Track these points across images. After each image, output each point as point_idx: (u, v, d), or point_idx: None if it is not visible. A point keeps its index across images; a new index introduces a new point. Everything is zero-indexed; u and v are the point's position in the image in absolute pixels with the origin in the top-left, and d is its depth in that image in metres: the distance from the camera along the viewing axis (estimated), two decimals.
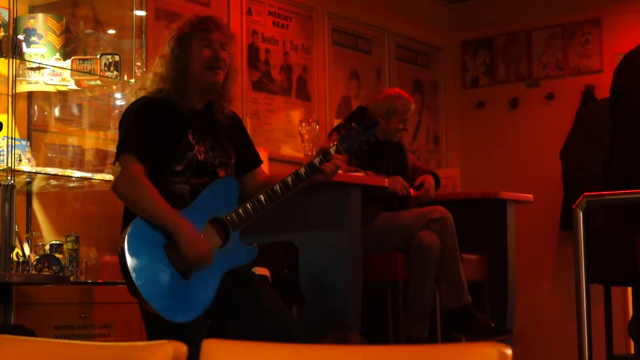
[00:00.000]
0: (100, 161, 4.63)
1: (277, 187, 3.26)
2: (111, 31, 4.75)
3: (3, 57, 4.00)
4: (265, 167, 3.60)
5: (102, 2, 4.79)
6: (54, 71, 4.29)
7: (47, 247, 4.12)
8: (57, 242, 4.15)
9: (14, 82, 4.04)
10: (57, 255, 4.06)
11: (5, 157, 3.95)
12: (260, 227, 3.71)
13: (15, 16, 4.12)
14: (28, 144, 4.25)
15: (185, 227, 3.09)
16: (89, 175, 4.35)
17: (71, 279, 4.03)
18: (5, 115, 3.98)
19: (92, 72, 4.32)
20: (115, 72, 4.34)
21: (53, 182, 4.37)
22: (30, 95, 4.48)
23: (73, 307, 3.98)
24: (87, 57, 4.40)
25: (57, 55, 4.31)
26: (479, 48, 7.21)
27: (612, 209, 3.66)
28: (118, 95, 4.67)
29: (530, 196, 5.44)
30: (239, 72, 5.49)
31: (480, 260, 5.10)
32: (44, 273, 3.92)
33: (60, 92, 4.50)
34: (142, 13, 4.56)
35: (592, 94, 6.56)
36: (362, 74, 6.53)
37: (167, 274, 3.07)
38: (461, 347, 1.38)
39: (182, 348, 1.54)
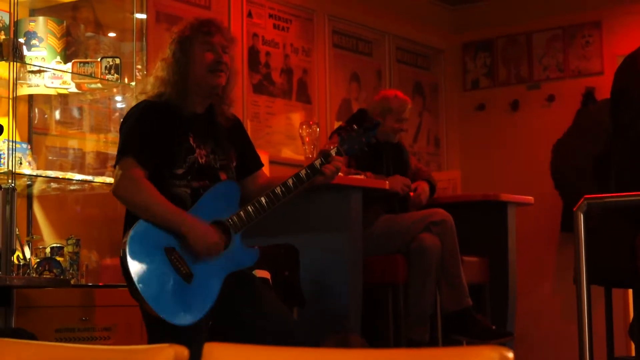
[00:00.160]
0: (101, 164, 4.63)
1: (278, 189, 3.26)
2: (112, 34, 4.75)
3: (4, 60, 4.01)
4: (265, 169, 3.60)
5: (102, 5, 4.79)
6: (54, 74, 4.29)
7: (48, 250, 4.12)
8: (58, 245, 4.15)
9: (15, 85, 4.04)
10: (58, 258, 4.06)
11: (6, 160, 3.95)
12: (261, 230, 3.71)
13: (15, 19, 4.12)
14: (29, 147, 4.25)
15: (191, 223, 3.10)
16: (89, 178, 4.35)
17: (72, 282, 4.03)
18: (6, 119, 3.98)
19: (93, 75, 4.33)
20: (115, 75, 4.34)
21: (54, 185, 4.37)
22: (31, 98, 4.48)
23: (74, 310, 3.98)
24: (87, 60, 4.40)
25: (58, 58, 4.31)
26: (480, 50, 7.21)
27: (613, 211, 3.66)
28: (119, 98, 4.67)
29: (530, 198, 5.45)
30: (240, 75, 5.49)
31: (481, 262, 5.10)
32: (44, 276, 3.92)
33: (60, 95, 4.50)
34: (143, 16, 4.56)
35: (592, 95, 6.57)
36: (363, 77, 6.53)
37: (168, 276, 3.08)
38: (462, 350, 1.38)
39: (183, 351, 1.54)
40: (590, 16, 6.73)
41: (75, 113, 4.69)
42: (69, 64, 4.33)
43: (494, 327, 4.65)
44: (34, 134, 4.49)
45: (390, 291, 4.63)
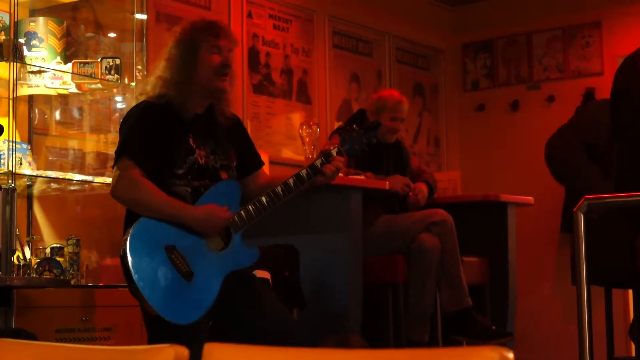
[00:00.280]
0: (101, 164, 4.63)
1: (279, 189, 3.26)
2: (112, 34, 4.75)
3: (4, 60, 4.01)
4: (266, 169, 3.60)
5: (102, 5, 4.79)
6: (54, 74, 4.29)
7: (48, 250, 4.12)
8: (58, 246, 4.15)
9: (15, 85, 4.04)
10: (58, 259, 4.06)
11: (6, 160, 3.95)
12: (262, 230, 3.71)
13: (16, 20, 4.12)
14: (29, 147, 4.25)
15: (191, 209, 3.12)
16: (89, 178, 4.35)
17: (72, 282, 4.03)
18: (6, 119, 3.98)
19: (93, 75, 4.33)
20: (116, 76, 4.34)
21: (54, 185, 4.37)
22: (31, 98, 4.48)
23: (74, 311, 3.98)
24: (87, 60, 4.40)
25: (58, 58, 4.31)
26: (480, 51, 7.21)
27: (613, 211, 3.66)
28: (119, 98, 4.67)
29: (530, 199, 5.45)
30: (239, 76, 5.50)
31: (481, 262, 5.10)
32: (44, 276, 3.92)
33: (61, 96, 4.50)
34: (143, 16, 4.56)
35: (592, 96, 6.57)
36: (363, 77, 6.53)
37: (168, 275, 3.08)
38: (462, 350, 1.38)
39: (183, 351, 1.54)
40: (590, 16, 6.73)
41: (76, 113, 4.69)
42: (69, 65, 4.33)
43: (494, 328, 4.65)
44: (34, 135, 4.49)
45: (390, 291, 4.63)
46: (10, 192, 3.75)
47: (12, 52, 4.00)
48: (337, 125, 5.89)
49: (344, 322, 4.32)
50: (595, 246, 3.13)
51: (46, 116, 4.59)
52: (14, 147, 3.96)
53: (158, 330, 3.14)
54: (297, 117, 5.97)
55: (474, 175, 6.85)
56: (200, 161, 3.24)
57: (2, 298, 3.66)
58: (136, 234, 3.07)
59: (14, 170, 3.94)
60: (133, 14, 4.51)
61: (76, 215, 4.66)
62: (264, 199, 3.24)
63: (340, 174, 3.59)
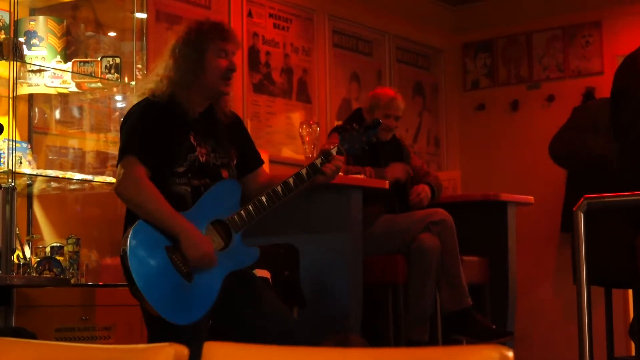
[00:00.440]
0: (101, 163, 4.63)
1: (279, 188, 3.26)
2: (112, 33, 4.75)
3: (4, 59, 4.00)
4: (265, 169, 3.60)
5: (102, 4, 4.79)
6: (54, 74, 4.29)
7: (48, 249, 4.12)
8: (58, 245, 4.15)
9: (15, 84, 4.04)
10: (58, 258, 4.06)
11: (6, 159, 3.95)
12: (261, 229, 3.71)
13: (16, 19, 4.12)
14: (29, 146, 4.25)
15: (188, 229, 3.10)
16: (89, 177, 4.35)
17: (72, 281, 4.03)
18: (6, 118, 3.98)
19: (93, 74, 4.33)
20: (116, 75, 4.34)
21: (54, 184, 4.37)
22: (31, 97, 4.48)
23: (74, 310, 3.98)
24: (87, 59, 4.40)
25: (58, 57, 4.31)
26: (480, 50, 7.21)
27: (613, 211, 3.66)
28: (119, 97, 4.67)
29: (530, 198, 5.45)
30: (239, 76, 5.50)
31: (481, 262, 5.10)
32: (44, 275, 3.92)
33: (61, 95, 4.50)
34: (143, 15, 4.56)
35: (592, 95, 6.57)
36: (363, 76, 6.53)
37: (169, 275, 3.08)
38: (462, 349, 1.38)
39: (183, 350, 1.54)
40: (590, 16, 6.73)
41: (75, 112, 4.69)
42: (69, 64, 4.33)
43: (494, 327, 4.65)
44: (34, 134, 4.49)
45: (390, 291, 4.63)
46: (10, 191, 3.75)
47: (12, 51, 4.00)
48: (336, 124, 5.89)
49: (344, 322, 4.32)
50: (595, 246, 3.13)
51: (46, 115, 4.59)
52: (14, 146, 3.96)
53: (158, 330, 3.14)
54: (297, 117, 5.97)
55: (474, 174, 6.85)
56: (201, 159, 3.24)
57: (2, 297, 3.66)
58: (137, 234, 3.07)
59: (14, 169, 3.94)
60: (133, 13, 4.51)
61: (76, 214, 4.66)
62: (264, 198, 3.24)
63: (340, 173, 3.59)
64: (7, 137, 3.92)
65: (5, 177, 3.93)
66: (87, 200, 4.65)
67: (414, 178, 5.02)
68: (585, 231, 2.99)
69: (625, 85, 3.70)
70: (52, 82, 4.31)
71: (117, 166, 3.21)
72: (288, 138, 5.92)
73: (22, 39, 4.19)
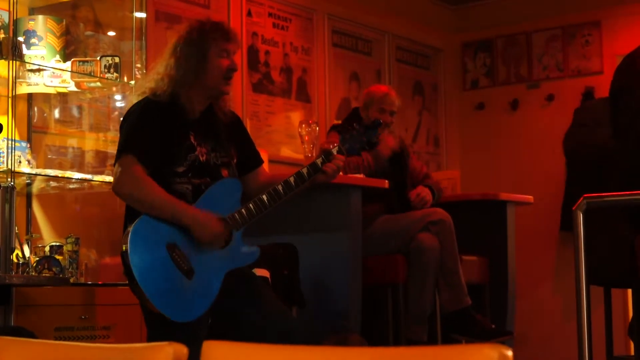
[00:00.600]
0: (100, 163, 4.63)
1: (280, 187, 3.26)
2: (111, 33, 4.75)
3: (3, 58, 4.00)
4: (265, 168, 3.60)
5: (102, 4, 4.79)
6: (54, 73, 4.29)
7: (47, 248, 4.12)
8: (57, 244, 4.15)
9: (14, 83, 4.04)
10: (57, 257, 4.06)
11: (5, 158, 3.95)
12: (261, 229, 3.71)
13: (15, 18, 4.12)
14: (28, 145, 4.25)
15: (193, 211, 3.11)
16: (88, 177, 4.35)
17: (71, 280, 4.03)
18: (6, 117, 3.98)
19: (92, 74, 4.33)
20: (115, 74, 4.34)
21: (53, 183, 4.37)
22: (30, 97, 4.48)
23: (73, 309, 3.98)
24: (87, 59, 4.40)
25: (57, 57, 4.31)
26: (479, 50, 7.21)
27: (613, 211, 3.66)
28: (118, 97, 4.67)
29: (530, 197, 5.44)
30: (238, 75, 5.49)
31: (481, 262, 5.10)
32: (44, 274, 3.92)
33: (60, 94, 4.50)
34: (142, 15, 4.56)
35: (592, 95, 6.57)
36: (362, 76, 6.53)
37: (169, 273, 3.08)
38: (462, 348, 1.38)
39: (182, 349, 1.54)
40: (589, 16, 6.73)
41: (75, 112, 4.69)
42: (69, 63, 4.33)
43: (493, 327, 4.65)
44: (33, 133, 4.49)
45: (390, 291, 4.63)
46: (9, 191, 3.75)
47: (11, 50, 3.99)
48: (334, 122, 5.88)
49: (344, 322, 4.32)
50: (594, 246, 3.13)
51: (45, 114, 4.58)
52: (13, 146, 3.96)
53: (158, 328, 3.14)
54: (296, 116, 5.97)
55: (473, 174, 6.85)
56: (201, 159, 3.24)
57: (1, 296, 3.66)
58: (137, 231, 3.07)
59: (13, 169, 3.94)
60: (132, 12, 4.51)
61: (75, 213, 4.65)
62: (264, 197, 3.24)
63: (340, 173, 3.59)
64: (6, 137, 3.92)
65: (5, 176, 3.92)
66: (87, 200, 4.65)
67: (413, 180, 5.01)
68: (585, 230, 2.99)
69: (624, 84, 3.70)
70: (52, 81, 4.31)
71: (114, 165, 3.21)
72: (287, 137, 5.92)
73: (21, 38, 4.19)
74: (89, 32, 4.69)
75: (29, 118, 4.49)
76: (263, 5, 5.85)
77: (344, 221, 4.41)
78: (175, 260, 3.09)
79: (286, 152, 5.89)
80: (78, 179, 4.30)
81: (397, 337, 4.60)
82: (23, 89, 4.32)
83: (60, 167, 4.43)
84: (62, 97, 4.57)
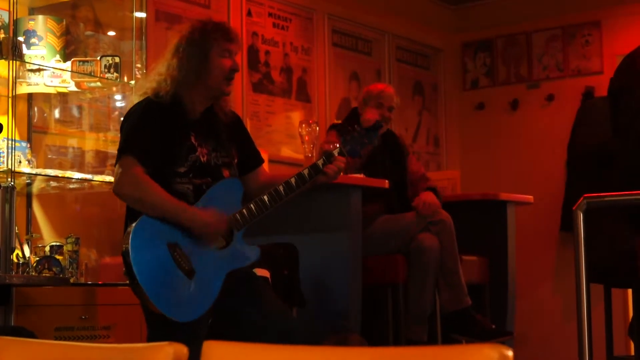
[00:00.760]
0: (100, 163, 4.63)
1: (281, 187, 3.27)
2: (111, 33, 4.75)
3: (3, 58, 4.00)
4: (265, 168, 3.60)
5: (102, 3, 4.78)
6: (54, 73, 4.29)
7: (47, 248, 4.12)
8: (57, 244, 4.15)
9: (14, 83, 4.04)
10: (57, 257, 4.06)
11: (5, 158, 3.95)
12: (261, 229, 3.71)
13: (15, 18, 4.12)
14: (28, 145, 4.25)
15: (192, 210, 3.12)
16: (89, 176, 4.35)
17: (71, 280, 4.03)
18: (6, 117, 3.98)
19: (92, 73, 4.32)
20: (115, 74, 4.34)
21: (53, 183, 4.37)
22: (30, 96, 4.47)
23: (73, 309, 3.97)
24: (87, 58, 4.39)
25: (57, 57, 4.30)
26: (479, 50, 7.21)
27: (613, 211, 3.66)
28: (118, 96, 4.67)
29: (530, 197, 5.44)
30: (239, 75, 5.49)
31: (481, 262, 5.10)
32: (44, 274, 3.92)
33: (60, 94, 4.50)
34: (142, 15, 4.56)
35: (592, 95, 6.57)
36: (362, 76, 6.53)
37: (170, 272, 3.08)
38: (462, 348, 1.38)
39: (182, 349, 1.54)
40: (589, 16, 6.73)
41: (75, 112, 4.69)
42: (69, 63, 4.33)
43: (493, 327, 4.65)
44: (33, 133, 4.49)
45: (390, 291, 4.63)
46: (9, 191, 3.75)
47: (11, 50, 3.99)
48: (334, 122, 5.88)
49: (344, 322, 4.32)
50: (594, 245, 3.13)
51: (45, 114, 4.58)
52: (13, 146, 3.96)
53: (158, 327, 3.14)
54: (296, 116, 5.97)
55: (473, 174, 6.85)
56: (202, 159, 3.24)
57: (1, 296, 3.65)
58: (138, 231, 3.07)
59: (13, 169, 3.94)
60: (132, 12, 4.51)
61: (75, 213, 4.65)
62: (265, 197, 3.25)
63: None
64: (6, 137, 3.92)
65: (5, 176, 3.92)
66: (87, 200, 4.65)
67: (409, 181, 4.98)
68: (585, 230, 2.99)
69: (624, 84, 3.70)
70: (52, 81, 4.30)
71: (115, 165, 3.21)
72: (287, 137, 5.92)
73: (21, 38, 4.19)
74: (89, 32, 4.69)
75: (29, 118, 4.49)
76: (263, 5, 5.85)
77: (344, 221, 4.41)
78: (177, 260, 3.09)
79: (286, 152, 5.89)
80: (78, 179, 4.30)
81: (397, 337, 4.60)
82: (23, 89, 4.32)
83: (61, 167, 4.43)
84: (62, 97, 4.57)
